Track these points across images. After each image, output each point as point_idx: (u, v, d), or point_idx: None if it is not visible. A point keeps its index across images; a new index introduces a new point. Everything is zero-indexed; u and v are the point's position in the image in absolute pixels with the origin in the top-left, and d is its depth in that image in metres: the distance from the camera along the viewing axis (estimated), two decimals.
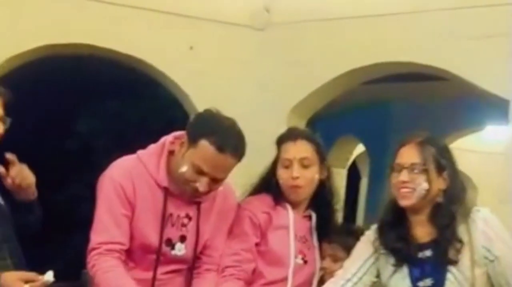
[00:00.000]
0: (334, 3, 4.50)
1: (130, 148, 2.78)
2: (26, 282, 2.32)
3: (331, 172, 2.94)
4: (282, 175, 2.80)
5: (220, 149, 2.48)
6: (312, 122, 7.88)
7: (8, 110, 2.57)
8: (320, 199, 2.90)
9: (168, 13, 4.66)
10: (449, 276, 2.42)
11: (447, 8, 4.13)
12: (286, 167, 2.79)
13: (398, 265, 2.52)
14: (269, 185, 2.86)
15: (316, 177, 2.83)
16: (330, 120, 7.82)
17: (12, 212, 2.62)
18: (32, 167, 2.63)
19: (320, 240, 2.89)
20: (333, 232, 2.88)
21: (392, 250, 2.52)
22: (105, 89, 7.83)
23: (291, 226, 2.80)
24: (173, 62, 4.71)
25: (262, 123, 4.32)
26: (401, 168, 2.49)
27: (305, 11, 4.60)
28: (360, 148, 8.60)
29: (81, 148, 8.89)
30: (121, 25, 4.60)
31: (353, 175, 9.02)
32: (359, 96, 6.46)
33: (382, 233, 2.57)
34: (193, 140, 2.52)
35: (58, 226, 7.28)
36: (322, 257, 2.86)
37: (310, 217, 2.89)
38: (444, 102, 6.69)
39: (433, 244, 2.47)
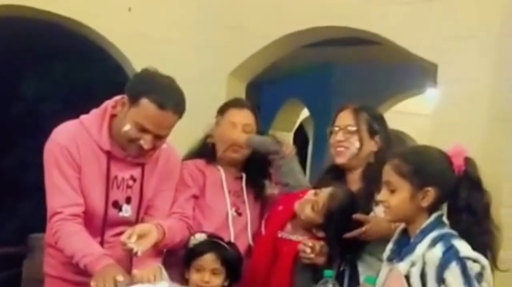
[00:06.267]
0: None
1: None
2: None
3: None
4: (229, 133, 2.99)
5: (161, 106, 2.52)
6: (259, 86, 7.89)
7: None
8: (253, 163, 3.09)
9: None
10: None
11: None
12: (233, 129, 3.00)
13: None
14: (204, 149, 3.04)
15: None
16: (276, 84, 7.88)
17: None
18: None
19: (256, 195, 3.08)
20: None
21: None
22: (52, 52, 7.64)
23: (224, 182, 2.99)
24: (112, 24, 4.58)
25: (203, 87, 4.33)
26: (337, 129, 2.88)
27: None
28: (307, 112, 8.70)
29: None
30: None
31: (302, 138, 9.18)
32: (302, 60, 6.51)
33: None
34: (134, 99, 2.56)
35: (6, 192, 7.22)
36: None
37: (241, 178, 3.06)
38: (385, 66, 6.78)
39: (361, 194, 2.79)
